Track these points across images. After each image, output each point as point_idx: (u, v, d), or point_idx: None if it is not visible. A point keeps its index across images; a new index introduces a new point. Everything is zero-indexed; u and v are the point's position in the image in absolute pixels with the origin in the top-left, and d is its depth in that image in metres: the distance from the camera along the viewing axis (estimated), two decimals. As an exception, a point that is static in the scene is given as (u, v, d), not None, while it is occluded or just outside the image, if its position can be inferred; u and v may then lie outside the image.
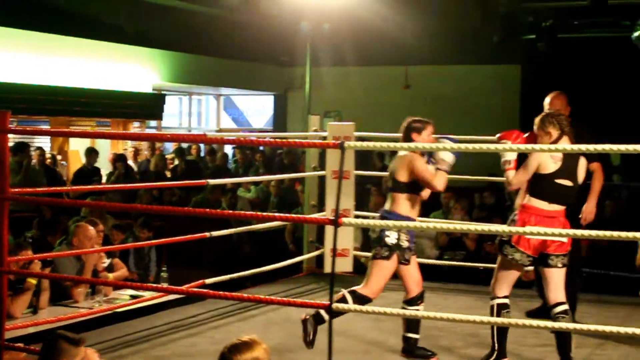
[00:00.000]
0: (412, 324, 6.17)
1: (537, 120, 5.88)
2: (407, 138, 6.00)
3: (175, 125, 21.25)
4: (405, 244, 5.94)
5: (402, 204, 5.97)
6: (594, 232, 4.46)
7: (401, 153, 6.01)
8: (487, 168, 9.85)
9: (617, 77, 17.00)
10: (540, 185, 5.74)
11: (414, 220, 5.95)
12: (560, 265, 5.80)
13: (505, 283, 5.88)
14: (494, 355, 5.87)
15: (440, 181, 5.89)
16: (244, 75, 19.70)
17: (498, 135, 5.95)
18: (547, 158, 5.74)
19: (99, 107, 15.59)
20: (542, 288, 6.10)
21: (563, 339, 5.77)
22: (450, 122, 16.48)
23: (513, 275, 5.88)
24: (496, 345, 5.86)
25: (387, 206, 6.06)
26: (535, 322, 5.16)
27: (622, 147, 4.29)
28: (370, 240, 6.13)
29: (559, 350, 5.82)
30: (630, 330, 4.58)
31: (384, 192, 12.07)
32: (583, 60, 17.23)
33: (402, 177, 5.96)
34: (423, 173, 5.89)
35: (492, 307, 5.88)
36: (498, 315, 5.86)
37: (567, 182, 5.79)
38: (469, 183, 11.06)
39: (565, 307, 5.80)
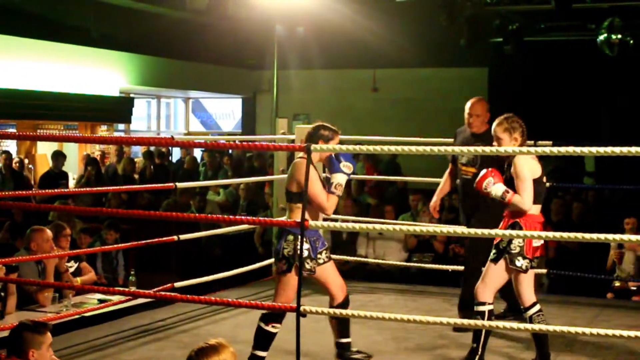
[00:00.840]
0: (342, 329, 5.95)
1: (499, 125, 5.76)
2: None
3: (144, 128, 21.19)
4: (304, 252, 5.56)
5: (299, 214, 5.44)
6: (572, 235, 4.56)
7: (297, 160, 5.71)
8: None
9: (583, 80, 17.16)
10: (535, 191, 5.68)
11: (314, 229, 5.60)
12: (537, 266, 5.89)
13: (494, 290, 5.82)
14: (476, 358, 5.88)
15: (332, 206, 5.63)
16: (212, 79, 19.67)
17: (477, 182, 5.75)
18: (534, 162, 5.69)
19: (66, 111, 15.53)
20: (506, 291, 6.15)
21: (542, 339, 5.84)
22: (417, 125, 16.60)
23: (504, 282, 5.84)
24: (479, 350, 5.83)
25: (286, 216, 5.81)
26: (503, 324, 5.21)
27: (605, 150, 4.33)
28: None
29: (537, 349, 5.89)
30: (595, 331, 4.65)
31: (353, 195, 12.14)
32: (549, 63, 17.37)
33: (294, 187, 5.67)
34: (315, 194, 5.55)
35: (482, 312, 5.76)
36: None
37: (544, 179, 5.83)
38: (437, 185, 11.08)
39: (539, 306, 5.85)
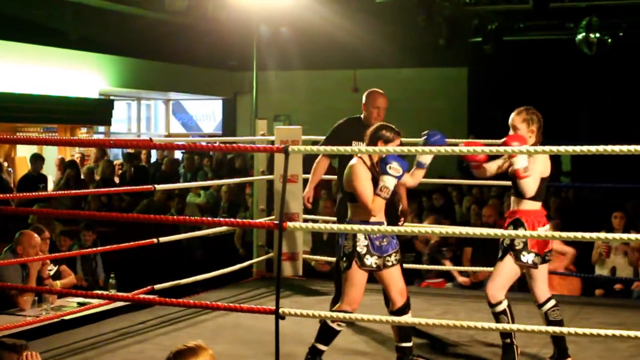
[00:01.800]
0: (403, 333, 5.87)
1: (519, 114, 5.72)
2: (373, 145, 5.65)
3: (124, 130, 21.12)
4: (362, 249, 5.57)
5: (359, 212, 5.65)
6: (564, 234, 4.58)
7: (351, 162, 5.71)
8: (435, 170, 9.90)
9: (562, 79, 17.24)
10: (540, 188, 5.68)
11: (380, 223, 5.64)
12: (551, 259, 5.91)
13: (505, 288, 5.79)
14: (514, 349, 5.90)
15: (377, 208, 5.60)
16: (192, 80, 19.65)
17: (504, 140, 5.58)
18: (547, 160, 5.68)
19: (45, 113, 15.47)
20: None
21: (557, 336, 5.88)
22: (398, 125, 16.57)
23: (514, 278, 5.84)
24: (513, 342, 5.86)
25: (348, 216, 5.80)
26: (482, 325, 5.21)
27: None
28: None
29: (555, 346, 5.96)
30: (573, 330, 4.66)
31: (333, 195, 12.12)
32: (528, 62, 17.45)
33: (349, 188, 5.68)
34: (361, 195, 5.58)
35: (503, 311, 5.74)
36: (511, 315, 5.82)
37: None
38: (418, 186, 11.12)
39: (554, 301, 5.88)
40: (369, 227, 5.49)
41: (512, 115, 5.79)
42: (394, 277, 5.75)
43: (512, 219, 5.78)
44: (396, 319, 5.65)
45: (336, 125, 7.23)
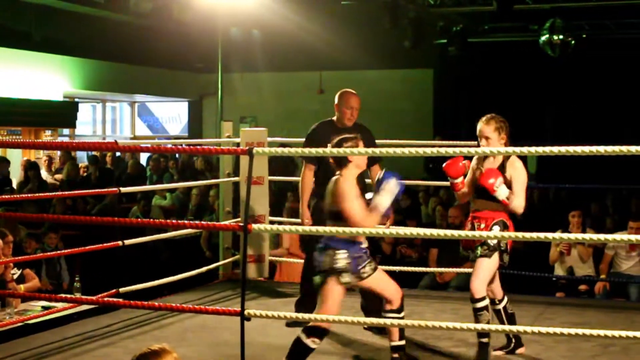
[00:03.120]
0: (400, 332, 5.72)
1: (488, 124, 5.69)
2: (343, 162, 5.40)
3: (89, 133, 20.98)
4: (344, 266, 5.36)
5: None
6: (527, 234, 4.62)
7: (335, 177, 5.48)
8: (402, 171, 9.93)
9: (527, 80, 17.36)
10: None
11: (360, 243, 5.41)
12: None
13: (487, 284, 5.88)
14: (488, 349, 5.92)
15: (370, 223, 5.36)
16: (158, 82, 19.57)
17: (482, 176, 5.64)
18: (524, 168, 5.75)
19: (9, 116, 15.35)
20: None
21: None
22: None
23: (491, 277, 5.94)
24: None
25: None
26: (449, 324, 5.23)
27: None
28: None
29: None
30: (537, 329, 4.69)
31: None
32: (494, 63, 17.55)
33: (335, 206, 5.43)
34: (350, 212, 5.32)
35: (486, 306, 5.79)
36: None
37: None
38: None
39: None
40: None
41: (481, 124, 5.73)
42: (380, 281, 5.59)
43: (498, 219, 5.76)
44: (362, 319, 5.65)
45: (310, 131, 6.96)
